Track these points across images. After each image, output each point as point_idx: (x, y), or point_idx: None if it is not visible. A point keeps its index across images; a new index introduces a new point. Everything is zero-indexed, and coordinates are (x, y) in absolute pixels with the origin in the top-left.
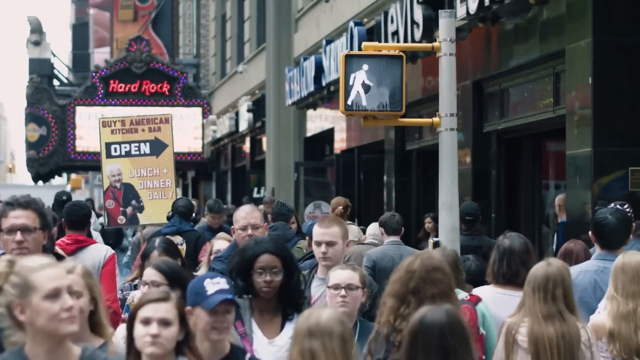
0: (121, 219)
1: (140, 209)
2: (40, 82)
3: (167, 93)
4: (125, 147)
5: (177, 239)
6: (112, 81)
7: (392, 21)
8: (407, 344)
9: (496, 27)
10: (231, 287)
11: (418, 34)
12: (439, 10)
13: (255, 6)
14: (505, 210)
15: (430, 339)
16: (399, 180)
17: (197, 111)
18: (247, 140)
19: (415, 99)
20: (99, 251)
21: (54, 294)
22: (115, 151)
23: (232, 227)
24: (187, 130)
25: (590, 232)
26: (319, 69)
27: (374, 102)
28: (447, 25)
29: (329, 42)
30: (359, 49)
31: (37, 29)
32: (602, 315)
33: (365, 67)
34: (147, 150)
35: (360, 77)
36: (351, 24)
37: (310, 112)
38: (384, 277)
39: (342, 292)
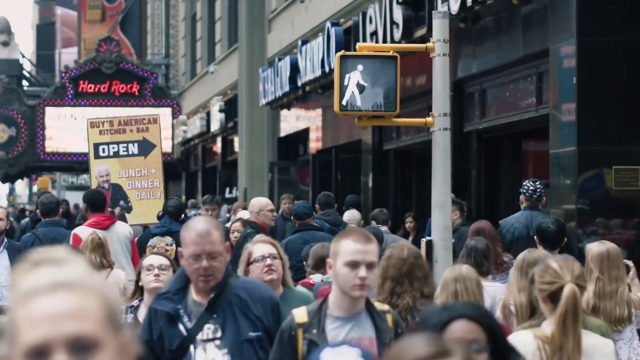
0: None
1: (129, 209)
2: (9, 83)
3: (136, 93)
4: (113, 148)
5: (167, 240)
6: (81, 82)
7: (370, 21)
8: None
9: (477, 27)
10: None
11: (398, 35)
12: (433, 12)
13: (226, 7)
14: (485, 209)
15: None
16: (376, 180)
17: (167, 111)
18: (219, 140)
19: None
20: None
21: None
22: (104, 152)
23: (180, 249)
24: None
25: (535, 237)
26: (294, 69)
27: (369, 102)
28: (441, 25)
29: (304, 42)
30: (336, 49)
31: (5, 30)
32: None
33: (360, 67)
34: (136, 151)
35: (355, 77)
36: (328, 24)
37: (284, 112)
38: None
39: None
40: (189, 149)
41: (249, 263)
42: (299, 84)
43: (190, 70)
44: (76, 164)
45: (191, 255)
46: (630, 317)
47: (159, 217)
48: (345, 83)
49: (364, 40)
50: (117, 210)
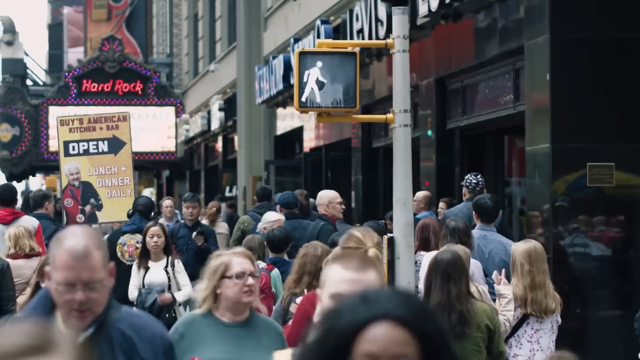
0: (80, 218)
1: (99, 207)
2: (13, 82)
3: (140, 92)
4: (83, 146)
5: (137, 237)
6: (85, 81)
7: (357, 19)
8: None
9: (458, 25)
10: None
11: (382, 32)
12: (392, 7)
13: (226, 5)
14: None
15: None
16: (365, 178)
17: (170, 110)
18: (220, 139)
19: (382, 96)
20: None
21: None
22: (74, 149)
23: (47, 269)
24: (160, 129)
25: (473, 212)
26: (288, 68)
27: (328, 98)
28: (401, 22)
29: (297, 40)
30: None
31: (9, 29)
32: (510, 287)
33: (319, 64)
34: (105, 149)
35: (314, 74)
36: (318, 22)
37: (280, 111)
38: None
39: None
40: (192, 147)
41: (222, 276)
42: (292, 82)
43: (193, 69)
44: None
45: (62, 283)
46: (555, 309)
47: (129, 215)
48: (305, 79)
49: (352, 37)
50: (87, 208)
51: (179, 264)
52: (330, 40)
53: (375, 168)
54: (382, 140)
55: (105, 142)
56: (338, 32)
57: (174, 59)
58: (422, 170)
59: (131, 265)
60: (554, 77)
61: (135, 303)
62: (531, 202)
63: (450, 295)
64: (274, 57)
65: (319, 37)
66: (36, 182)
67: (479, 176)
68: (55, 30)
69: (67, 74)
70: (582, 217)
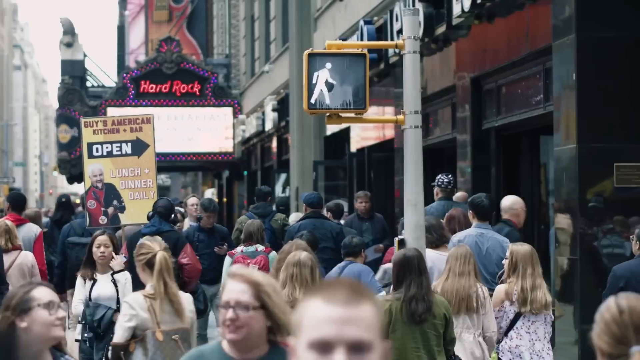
0: (102, 219)
1: (122, 209)
2: (72, 84)
3: (197, 93)
4: (107, 147)
5: (157, 239)
6: (142, 82)
7: (397, 19)
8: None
9: (492, 24)
10: None
11: (420, 32)
12: (402, 8)
13: (280, 6)
14: None
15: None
16: None
17: (228, 111)
18: (274, 139)
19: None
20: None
21: None
22: (97, 151)
23: None
24: (218, 130)
25: (469, 211)
26: None
27: (337, 100)
28: (411, 23)
29: (343, 40)
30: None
31: (69, 31)
32: (508, 285)
33: (329, 65)
34: (129, 151)
35: (323, 75)
36: (361, 22)
37: None
38: None
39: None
40: (249, 148)
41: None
42: None
43: (250, 69)
44: None
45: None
46: (549, 304)
47: (149, 217)
48: (314, 81)
49: (392, 38)
50: (110, 210)
51: (127, 277)
52: (339, 42)
53: None
54: (424, 140)
55: (129, 144)
56: (381, 32)
57: (232, 59)
58: (458, 171)
59: None
60: (581, 77)
61: (80, 318)
62: (559, 203)
63: (422, 286)
64: None
65: (362, 37)
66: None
67: (450, 176)
68: (123, 32)
69: (125, 75)
70: (609, 217)
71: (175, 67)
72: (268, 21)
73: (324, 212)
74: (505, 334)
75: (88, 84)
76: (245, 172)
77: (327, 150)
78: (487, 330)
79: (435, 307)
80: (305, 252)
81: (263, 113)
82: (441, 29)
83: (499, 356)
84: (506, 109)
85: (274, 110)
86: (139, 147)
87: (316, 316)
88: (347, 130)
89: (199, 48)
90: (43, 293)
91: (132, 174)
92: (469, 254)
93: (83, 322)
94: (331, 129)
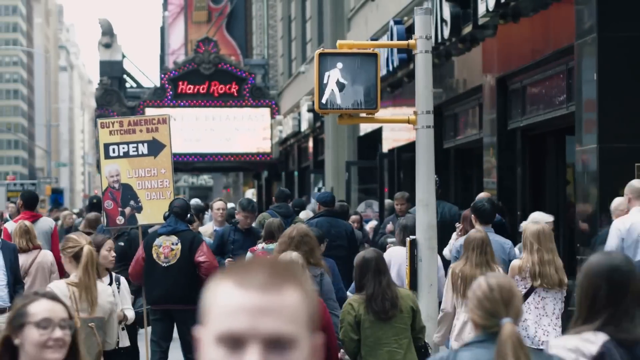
0: (120, 220)
1: (139, 209)
2: (111, 84)
3: (235, 94)
4: (123, 148)
5: (173, 239)
6: (180, 82)
7: None
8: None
9: (516, 24)
10: None
11: (446, 32)
12: (415, 8)
13: (316, 6)
14: (530, 206)
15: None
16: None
17: (266, 112)
18: (310, 140)
19: (452, 95)
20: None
21: None
22: (114, 152)
23: None
24: (255, 130)
25: (472, 215)
26: None
27: (349, 100)
28: (423, 22)
29: (374, 40)
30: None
31: (108, 32)
32: (520, 261)
33: (340, 65)
34: (145, 151)
35: (334, 75)
36: (391, 22)
37: None
38: None
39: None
40: (287, 148)
41: None
42: None
43: (287, 70)
44: (180, 164)
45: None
46: (563, 282)
47: (165, 217)
48: (325, 81)
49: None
50: (127, 210)
51: (123, 282)
52: (350, 42)
53: (446, 169)
54: (452, 141)
55: (145, 144)
56: (411, 32)
57: (270, 60)
58: (484, 172)
59: (167, 267)
60: (602, 77)
61: None
62: (580, 203)
63: (381, 284)
64: None
65: (392, 37)
66: None
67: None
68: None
69: (163, 75)
70: None
71: (213, 67)
72: (304, 21)
73: None
74: None
75: (127, 85)
76: (283, 173)
77: (360, 151)
78: None
79: (401, 301)
80: (295, 252)
81: (299, 114)
82: (467, 29)
83: None
84: (531, 109)
85: (309, 110)
86: (155, 148)
87: (225, 304)
88: (380, 130)
89: (238, 49)
90: (40, 308)
91: (149, 174)
92: (484, 242)
93: None
94: (364, 129)
